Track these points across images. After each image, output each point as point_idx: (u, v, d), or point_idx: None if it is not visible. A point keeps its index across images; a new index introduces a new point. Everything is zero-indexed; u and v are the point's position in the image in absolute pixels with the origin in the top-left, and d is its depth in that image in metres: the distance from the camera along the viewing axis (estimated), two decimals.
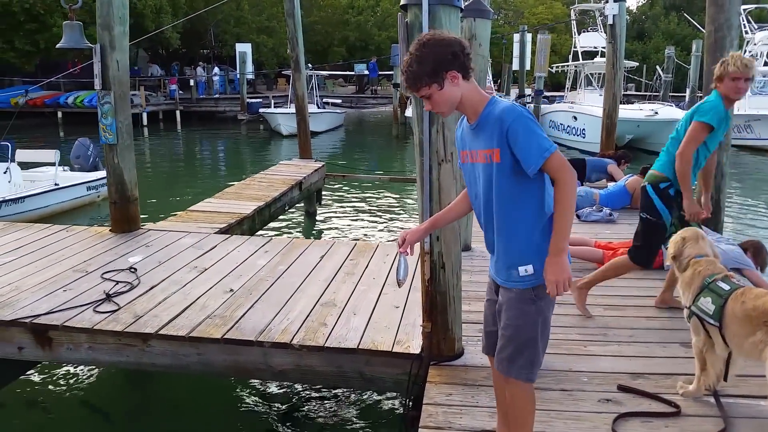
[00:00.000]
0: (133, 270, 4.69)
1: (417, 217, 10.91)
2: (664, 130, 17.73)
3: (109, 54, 5.49)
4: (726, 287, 2.75)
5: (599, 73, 21.36)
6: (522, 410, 2.37)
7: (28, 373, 4.73)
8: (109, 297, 4.13)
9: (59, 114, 25.91)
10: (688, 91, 25.13)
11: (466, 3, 4.48)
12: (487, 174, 2.25)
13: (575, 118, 19.63)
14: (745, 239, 5.46)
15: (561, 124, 20.71)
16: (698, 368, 2.90)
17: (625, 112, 15.62)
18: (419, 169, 3.23)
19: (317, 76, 27.88)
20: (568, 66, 25.78)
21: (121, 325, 3.75)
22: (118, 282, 4.42)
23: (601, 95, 14.83)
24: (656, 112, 17.98)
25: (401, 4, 3.12)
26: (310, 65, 23.72)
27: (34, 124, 22.96)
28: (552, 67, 27.77)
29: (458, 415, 2.84)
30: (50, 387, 4.92)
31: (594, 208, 6.41)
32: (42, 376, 5.02)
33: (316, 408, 4.70)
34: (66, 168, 11.44)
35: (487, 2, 5.23)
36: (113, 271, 4.68)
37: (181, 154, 19.87)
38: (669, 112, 18.29)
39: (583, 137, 18.77)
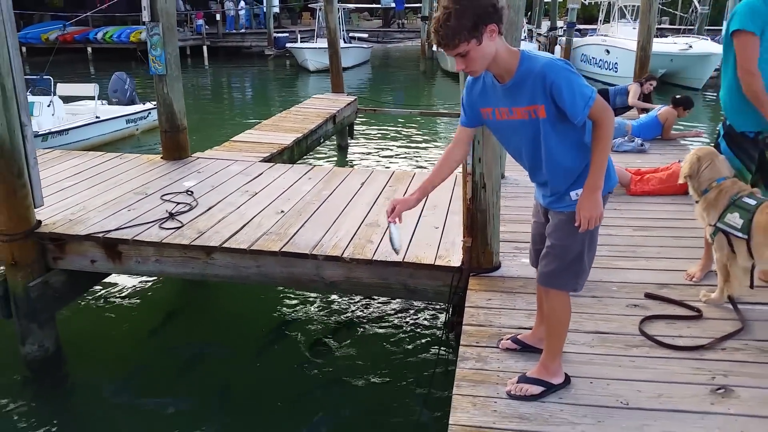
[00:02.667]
0: (190, 193, 5.03)
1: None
2: (698, 65, 17.40)
3: None
4: (753, 202, 2.95)
5: (633, 6, 20.76)
6: (560, 319, 2.53)
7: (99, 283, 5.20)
8: (172, 215, 4.49)
9: (89, 50, 26.08)
10: (725, 24, 24.29)
11: None
12: (531, 128, 2.29)
13: (608, 51, 19.24)
14: None
15: (593, 58, 20.33)
16: (721, 279, 3.15)
17: (659, 45, 15.28)
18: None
19: (343, 9, 27.46)
20: None
21: (187, 240, 4.11)
22: (177, 203, 4.77)
23: (634, 28, 14.55)
24: (690, 46, 17.56)
25: None
26: None
27: (65, 60, 23.20)
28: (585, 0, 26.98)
29: (497, 316, 3.16)
30: (117, 296, 5.40)
31: (626, 138, 6.55)
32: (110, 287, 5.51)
33: (363, 317, 5.12)
34: (104, 102, 11.78)
35: None
36: (171, 193, 5.03)
37: (209, 90, 20.05)
38: (704, 46, 17.83)
39: (616, 71, 18.46)
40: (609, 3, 23.55)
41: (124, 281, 5.66)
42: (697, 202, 3.23)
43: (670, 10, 34.30)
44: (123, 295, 5.46)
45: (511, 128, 2.38)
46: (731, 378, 2.58)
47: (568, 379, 2.56)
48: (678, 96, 7.18)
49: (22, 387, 4.24)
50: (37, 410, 4.01)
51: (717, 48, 16.84)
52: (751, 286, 3.08)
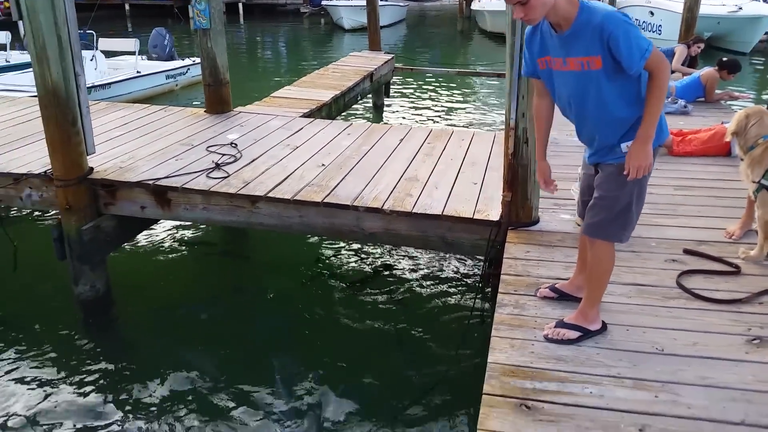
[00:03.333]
0: (234, 145, 5.16)
1: (489, 111, 10.90)
2: (747, 28, 16.76)
3: None
4: None
5: None
6: (603, 269, 2.58)
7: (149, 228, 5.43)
8: (218, 166, 4.63)
9: (127, 6, 26.28)
10: None
11: None
12: (583, 79, 2.31)
13: (652, 13, 18.66)
14: None
15: (636, 20, 19.68)
16: (762, 237, 3.17)
17: (706, 7, 14.77)
18: (509, 48, 3.43)
19: None
20: None
21: (233, 189, 4.25)
22: (223, 155, 4.90)
23: None
24: (740, 8, 16.89)
25: None
26: None
27: (103, 16, 23.44)
28: None
29: (536, 267, 3.23)
30: (164, 242, 5.63)
31: (670, 99, 6.45)
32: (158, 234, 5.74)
33: (399, 268, 5.25)
34: (144, 57, 11.94)
35: None
36: (216, 145, 5.17)
37: (244, 47, 20.11)
38: (755, 8, 17.13)
39: (659, 34, 17.91)
40: None
41: (171, 228, 5.87)
42: (742, 159, 3.23)
43: None
44: (170, 241, 5.68)
45: (563, 79, 2.41)
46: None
47: (604, 326, 2.64)
48: (724, 59, 7.00)
49: (74, 326, 4.48)
50: (88, 348, 4.24)
51: None
52: None
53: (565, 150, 4.93)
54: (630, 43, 2.19)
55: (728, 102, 7.26)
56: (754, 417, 2.12)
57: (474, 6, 24.61)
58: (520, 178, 3.68)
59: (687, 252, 3.31)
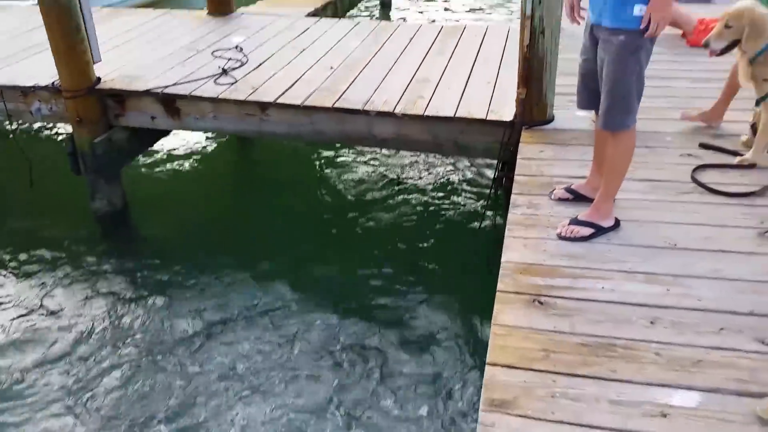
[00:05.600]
0: (239, 49, 5.04)
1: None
2: None
3: None
4: None
5: None
6: (622, 158, 2.60)
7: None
8: (225, 71, 4.55)
9: None
10: None
11: None
12: None
13: None
14: None
15: None
16: (765, 135, 3.01)
17: None
18: None
19: None
20: None
21: (242, 95, 4.20)
22: (229, 59, 4.80)
23: None
24: None
25: None
26: None
27: None
28: None
29: (550, 166, 3.23)
30: (177, 155, 5.65)
31: None
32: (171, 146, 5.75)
33: (411, 175, 5.27)
34: None
35: None
36: (221, 49, 5.06)
37: None
38: None
39: None
40: None
41: (185, 138, 5.87)
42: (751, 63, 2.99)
43: None
44: (183, 152, 5.69)
45: None
46: None
47: (618, 223, 2.67)
48: None
49: (92, 240, 4.57)
50: (107, 262, 4.34)
51: None
52: None
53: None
54: None
55: None
56: (763, 308, 2.17)
57: None
58: (536, 72, 3.58)
59: (703, 146, 3.28)
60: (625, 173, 2.65)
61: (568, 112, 3.78)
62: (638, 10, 2.32)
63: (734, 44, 2.95)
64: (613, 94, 2.49)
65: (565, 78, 4.19)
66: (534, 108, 3.65)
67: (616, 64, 2.44)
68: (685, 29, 4.92)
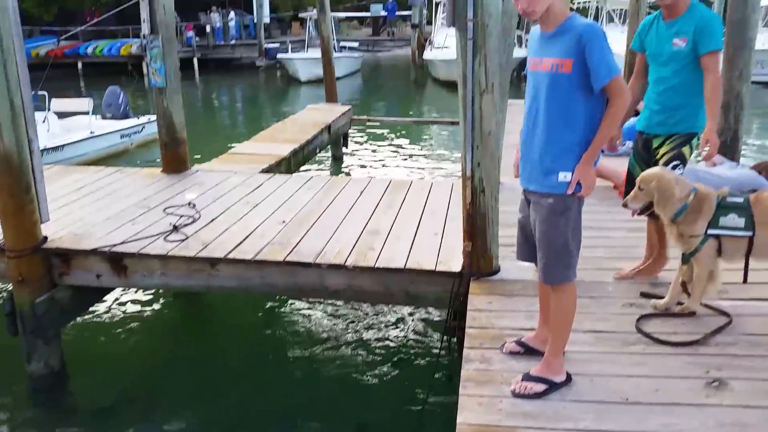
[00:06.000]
0: (192, 205, 5.12)
1: (446, 158, 10.95)
2: None
3: None
4: (740, 199, 3.00)
5: (621, 9, 21.02)
6: (565, 312, 2.65)
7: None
8: (176, 228, 4.57)
9: (79, 64, 26.10)
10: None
11: None
12: (551, 82, 2.46)
13: None
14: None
15: None
16: (700, 288, 3.12)
17: None
18: (462, 101, 3.52)
19: (333, 18, 27.62)
20: (589, 2, 25.32)
21: (192, 252, 4.20)
22: (181, 216, 4.85)
23: (623, 32, 14.73)
24: None
25: None
26: None
27: (55, 75, 23.23)
28: (573, 3, 27.29)
29: (499, 318, 3.26)
30: (119, 311, 5.47)
31: (618, 142, 6.65)
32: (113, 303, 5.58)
33: (364, 325, 5.21)
34: (98, 116, 11.82)
35: None
36: (174, 206, 5.12)
37: (200, 103, 20.12)
38: None
39: None
40: (597, 7, 23.86)
41: (127, 296, 5.72)
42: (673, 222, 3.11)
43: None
44: (124, 310, 5.52)
45: (534, 80, 2.55)
46: (725, 371, 2.69)
47: (569, 377, 2.67)
48: None
49: (26, 404, 4.28)
50: (41, 428, 4.04)
51: None
52: (745, 281, 3.10)
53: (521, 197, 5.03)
54: (603, 57, 2.38)
55: None
56: None
57: (426, 56, 25.27)
58: (479, 227, 3.74)
59: (644, 295, 3.39)
60: (570, 326, 2.69)
61: (513, 263, 3.87)
62: (563, 176, 2.50)
63: (651, 205, 3.12)
64: (548, 252, 2.60)
65: (508, 229, 4.34)
66: (480, 260, 3.76)
67: (548, 225, 2.57)
68: (615, 182, 5.27)
